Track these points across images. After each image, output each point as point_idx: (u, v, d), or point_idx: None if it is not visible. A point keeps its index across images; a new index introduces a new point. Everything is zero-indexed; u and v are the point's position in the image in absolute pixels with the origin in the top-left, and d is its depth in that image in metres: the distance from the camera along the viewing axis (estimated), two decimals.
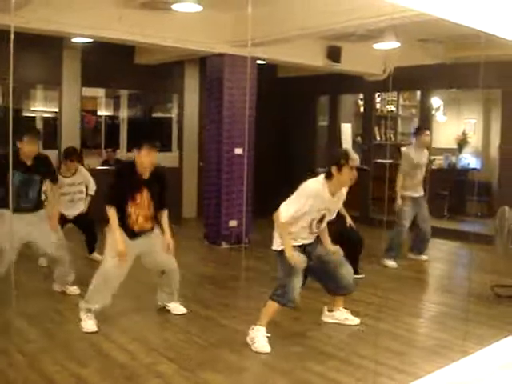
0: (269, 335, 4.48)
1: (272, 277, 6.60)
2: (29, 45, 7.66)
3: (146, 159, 4.79)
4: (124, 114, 11.36)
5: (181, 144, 10.97)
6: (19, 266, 5.52)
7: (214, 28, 7.74)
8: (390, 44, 7.93)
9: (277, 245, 4.61)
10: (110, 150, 10.53)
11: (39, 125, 10.51)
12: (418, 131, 7.56)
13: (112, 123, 11.50)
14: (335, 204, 4.67)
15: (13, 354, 4.16)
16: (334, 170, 4.45)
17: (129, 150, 10.75)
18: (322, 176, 4.54)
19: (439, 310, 5.73)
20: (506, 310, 5.46)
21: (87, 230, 7.06)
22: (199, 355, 4.33)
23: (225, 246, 8.32)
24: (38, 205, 5.48)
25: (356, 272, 6.29)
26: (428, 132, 7.55)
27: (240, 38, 7.64)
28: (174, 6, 6.29)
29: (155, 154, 4.84)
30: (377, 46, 8.17)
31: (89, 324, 4.75)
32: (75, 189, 6.91)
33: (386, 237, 7.51)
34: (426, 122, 10.06)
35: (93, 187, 7.05)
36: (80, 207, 6.98)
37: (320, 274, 4.86)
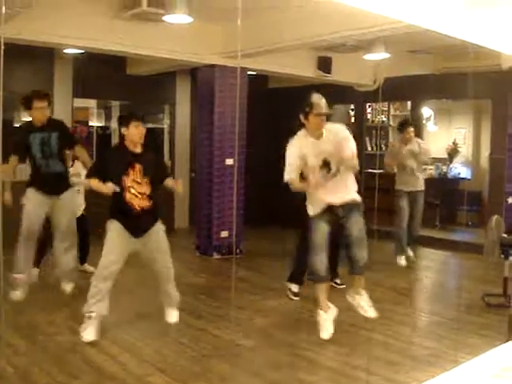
0: (333, 314, 4.94)
1: (265, 287, 6.62)
2: (20, 56, 7.66)
3: (135, 132, 4.79)
4: (115, 124, 11.30)
5: (172, 155, 10.97)
6: (8, 275, 5.51)
7: (205, 39, 7.76)
8: (380, 55, 7.97)
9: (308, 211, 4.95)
10: None
11: None
12: (401, 127, 7.62)
13: (103, 134, 11.48)
14: (329, 145, 4.71)
15: (3, 367, 4.14)
16: (302, 118, 4.76)
17: None
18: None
19: (430, 320, 5.74)
20: (496, 319, 5.45)
21: (81, 238, 6.99)
22: (191, 366, 4.32)
23: (216, 256, 8.31)
24: (65, 178, 5.80)
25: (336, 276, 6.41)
26: (411, 129, 7.57)
27: (231, 49, 7.67)
28: (165, 18, 6.31)
29: (143, 128, 4.84)
30: (367, 56, 8.21)
31: (88, 331, 4.71)
32: (74, 180, 6.81)
33: (378, 246, 7.51)
34: (417, 132, 10.09)
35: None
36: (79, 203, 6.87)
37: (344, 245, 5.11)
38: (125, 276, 5.86)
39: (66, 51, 8.38)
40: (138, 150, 4.88)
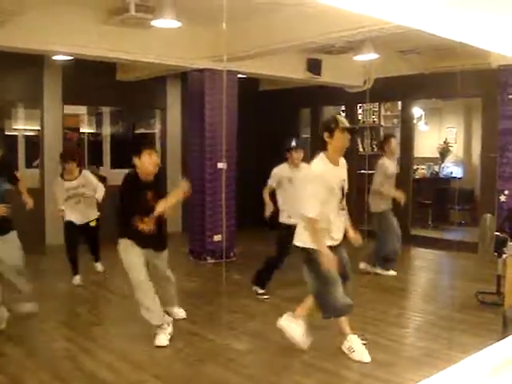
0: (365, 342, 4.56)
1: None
2: (9, 63, 7.65)
3: (149, 162, 4.84)
4: (107, 130, 11.32)
5: (164, 159, 10.94)
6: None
7: (194, 43, 7.76)
8: (369, 56, 7.99)
9: (302, 240, 4.44)
10: (93, 166, 10.49)
11: (21, 143, 10.44)
12: (385, 140, 7.44)
13: (95, 140, 11.46)
14: (342, 172, 4.54)
15: None
16: (326, 136, 4.42)
17: (112, 166, 10.74)
18: (319, 155, 4.46)
19: (424, 319, 5.73)
20: (490, 317, 5.46)
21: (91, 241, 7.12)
22: (185, 371, 4.30)
23: (210, 260, 8.29)
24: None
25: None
26: (393, 139, 7.43)
27: (220, 53, 7.65)
28: (154, 23, 6.30)
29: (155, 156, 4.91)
30: (357, 57, 8.23)
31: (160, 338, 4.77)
32: (80, 191, 6.75)
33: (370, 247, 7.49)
34: (408, 131, 10.13)
35: (100, 192, 6.79)
36: (90, 215, 6.87)
37: None
38: (119, 283, 5.86)
39: (55, 58, 8.37)
40: (150, 177, 4.95)
